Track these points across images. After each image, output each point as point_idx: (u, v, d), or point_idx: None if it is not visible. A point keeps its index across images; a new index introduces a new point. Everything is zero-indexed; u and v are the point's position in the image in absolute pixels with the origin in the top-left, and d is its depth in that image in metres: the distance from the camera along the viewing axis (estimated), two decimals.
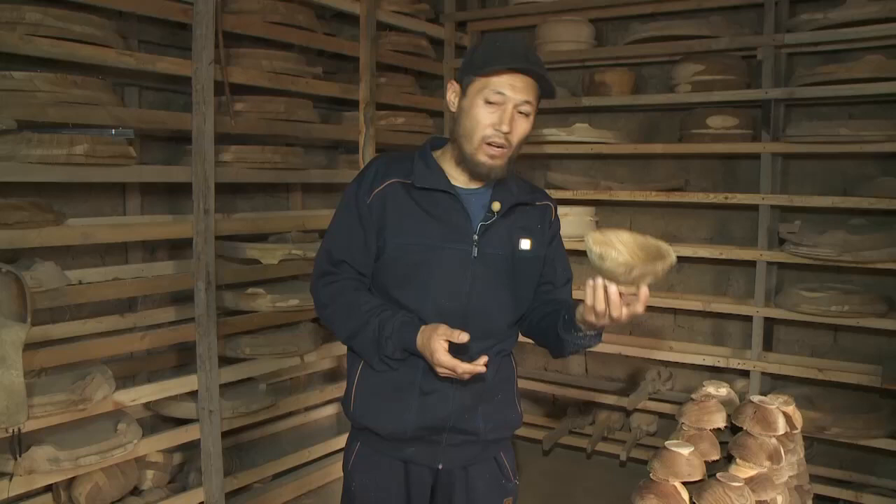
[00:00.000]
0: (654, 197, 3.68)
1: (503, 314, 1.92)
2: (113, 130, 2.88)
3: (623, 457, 3.68)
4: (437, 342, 1.67)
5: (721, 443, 2.00)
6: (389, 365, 1.84)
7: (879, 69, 3.15)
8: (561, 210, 3.67)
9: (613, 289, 1.56)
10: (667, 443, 1.88)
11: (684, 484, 1.82)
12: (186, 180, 2.88)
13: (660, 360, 3.80)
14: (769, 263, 3.46)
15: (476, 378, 1.78)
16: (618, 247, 1.61)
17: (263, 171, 3.25)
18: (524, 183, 2.00)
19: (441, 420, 1.87)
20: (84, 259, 3.16)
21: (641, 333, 4.03)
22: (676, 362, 3.74)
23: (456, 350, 1.71)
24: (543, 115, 4.18)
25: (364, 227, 1.86)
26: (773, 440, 1.90)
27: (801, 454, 2.06)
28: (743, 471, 1.87)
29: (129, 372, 3.29)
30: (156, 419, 3.28)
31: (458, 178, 1.88)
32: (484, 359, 1.68)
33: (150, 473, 3.02)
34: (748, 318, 3.55)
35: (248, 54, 3.19)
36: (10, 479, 2.41)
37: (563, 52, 3.92)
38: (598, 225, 3.94)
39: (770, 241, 3.45)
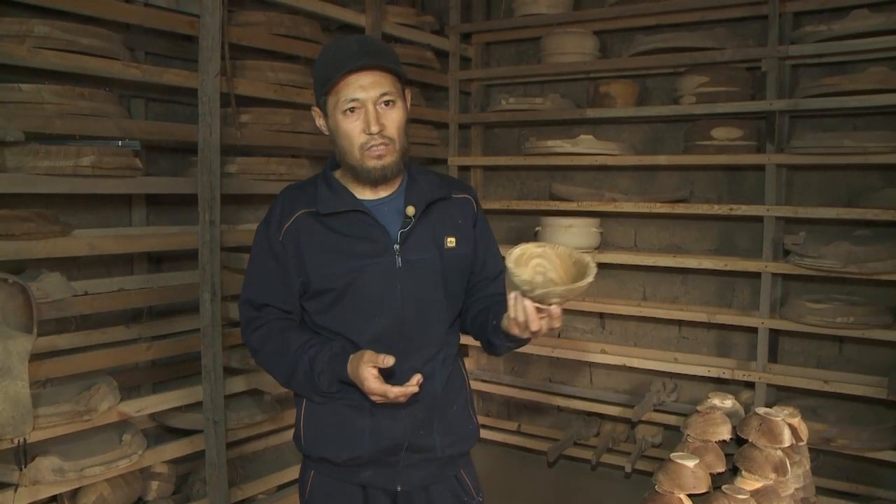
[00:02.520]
0: (658, 208, 3.68)
1: (441, 319, 1.88)
2: (119, 142, 2.89)
3: (628, 468, 3.67)
4: (365, 370, 1.66)
5: (726, 455, 2.00)
6: (330, 398, 1.82)
7: (883, 81, 3.15)
8: (565, 221, 3.77)
9: (528, 303, 1.59)
10: (672, 455, 1.88)
11: (690, 496, 1.82)
12: (192, 191, 2.89)
13: (664, 372, 3.79)
14: (774, 275, 3.45)
15: (425, 390, 1.77)
16: (552, 259, 1.66)
17: (269, 182, 3.26)
18: (434, 176, 1.95)
19: (396, 440, 1.84)
20: (90, 270, 3.17)
21: (646, 345, 4.03)
22: (681, 374, 3.73)
23: (400, 367, 1.72)
24: (548, 126, 4.20)
25: (281, 265, 1.83)
26: (779, 452, 1.90)
27: (807, 466, 2.06)
28: (749, 483, 1.86)
29: (134, 382, 3.29)
30: (161, 430, 3.28)
31: (365, 192, 1.84)
32: (417, 378, 1.67)
33: (154, 484, 3.01)
34: (753, 330, 3.54)
35: (253, 66, 3.21)
36: (16, 490, 2.41)
37: (567, 64, 3.93)
38: (603, 236, 3.94)
39: (775, 252, 3.44)
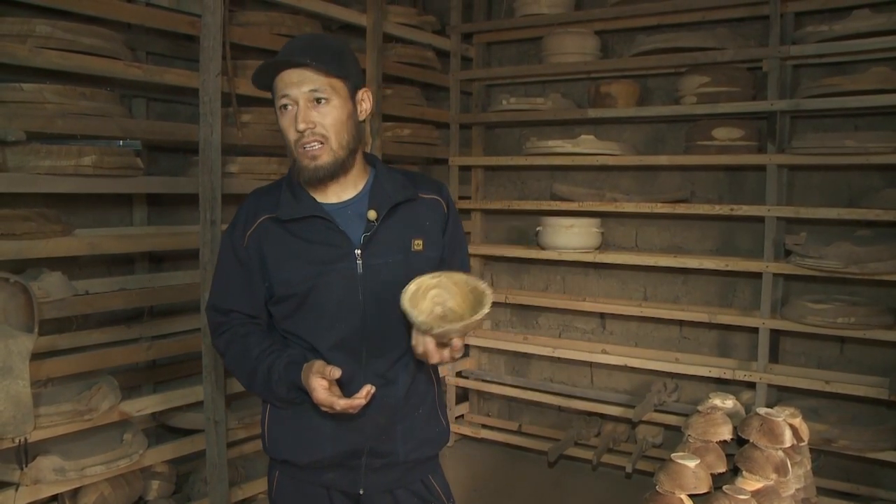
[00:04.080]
0: (659, 208, 3.68)
1: (403, 324, 1.81)
2: (121, 142, 2.90)
3: (629, 469, 3.67)
4: (314, 380, 1.65)
5: (727, 455, 1.99)
6: (291, 404, 1.81)
7: (885, 81, 3.15)
8: (566, 222, 3.77)
9: (428, 339, 1.63)
10: (673, 455, 1.88)
11: (690, 496, 1.82)
12: (193, 191, 2.89)
13: (665, 372, 3.79)
14: (775, 275, 3.45)
15: (387, 396, 1.77)
16: (450, 288, 1.69)
17: (270, 182, 3.25)
18: (401, 176, 1.90)
19: (357, 444, 1.82)
20: (91, 269, 3.17)
21: (647, 345, 4.03)
22: (682, 374, 3.73)
23: (363, 371, 1.75)
24: (549, 126, 4.20)
25: (245, 270, 1.82)
26: (780, 453, 1.89)
27: (808, 467, 2.06)
28: (749, 483, 1.86)
29: (135, 382, 3.29)
30: (161, 429, 3.29)
31: (327, 195, 1.82)
32: (366, 389, 1.65)
33: (155, 484, 3.02)
34: (754, 330, 3.55)
35: (255, 66, 3.19)
36: (17, 489, 2.42)
37: (568, 64, 3.93)
38: (604, 236, 3.94)
39: (776, 252, 3.44)
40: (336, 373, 1.64)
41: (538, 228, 3.93)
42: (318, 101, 1.72)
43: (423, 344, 1.63)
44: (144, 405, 2.82)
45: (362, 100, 1.82)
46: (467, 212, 4.38)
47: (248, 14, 3.23)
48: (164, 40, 3.30)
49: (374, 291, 1.78)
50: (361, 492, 1.86)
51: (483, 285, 1.64)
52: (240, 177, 3.18)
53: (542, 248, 3.96)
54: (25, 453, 2.40)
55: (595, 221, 3.88)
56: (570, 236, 3.82)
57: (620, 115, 3.82)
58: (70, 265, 2.98)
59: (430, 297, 1.67)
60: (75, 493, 2.71)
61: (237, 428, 3.12)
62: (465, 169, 4.39)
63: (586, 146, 3.81)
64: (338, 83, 1.74)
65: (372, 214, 1.79)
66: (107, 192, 2.90)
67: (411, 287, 1.63)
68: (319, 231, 1.78)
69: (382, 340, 1.80)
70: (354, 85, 1.80)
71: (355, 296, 1.77)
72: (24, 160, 2.48)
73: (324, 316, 1.78)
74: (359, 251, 1.77)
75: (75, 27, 2.63)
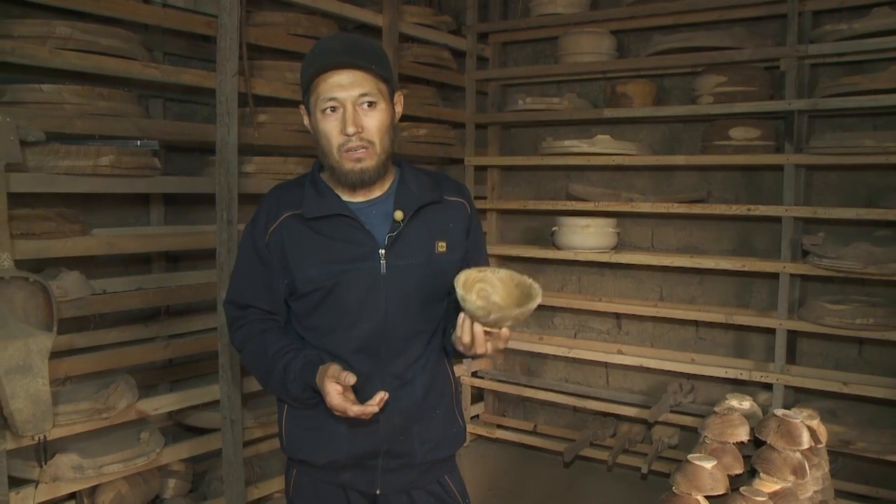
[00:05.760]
0: (675, 209, 3.67)
1: (424, 325, 1.84)
2: (138, 142, 2.92)
3: (644, 469, 3.66)
4: (329, 385, 1.64)
5: (744, 456, 1.98)
6: (305, 405, 1.80)
7: None
8: (582, 222, 3.76)
9: (478, 328, 1.60)
10: (690, 456, 1.87)
11: (707, 498, 1.81)
12: (210, 191, 2.91)
13: (681, 373, 3.77)
14: (792, 275, 3.43)
15: (404, 397, 1.77)
16: (494, 284, 1.69)
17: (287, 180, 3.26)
18: (426, 177, 1.89)
19: (373, 446, 1.82)
20: (108, 269, 3.20)
21: (663, 345, 4.01)
22: (698, 375, 3.71)
23: (381, 372, 1.75)
24: (565, 126, 4.19)
25: (265, 266, 1.81)
26: (798, 454, 1.88)
27: (826, 469, 2.04)
28: (767, 485, 1.85)
29: (151, 381, 3.31)
30: (178, 428, 3.30)
31: (353, 194, 1.80)
32: (379, 396, 1.64)
33: (171, 482, 3.04)
34: (771, 331, 3.52)
35: (271, 66, 3.22)
36: (36, 487, 2.44)
37: (584, 64, 3.92)
38: (620, 237, 3.93)
39: (793, 253, 3.42)
40: (351, 379, 1.63)
41: (554, 228, 3.92)
42: (367, 105, 1.70)
43: (472, 333, 1.60)
44: (161, 404, 2.83)
45: (397, 102, 1.81)
46: (483, 212, 4.37)
47: (264, 14, 3.24)
48: (180, 41, 3.31)
49: (397, 292, 1.78)
50: (378, 492, 1.87)
51: (529, 280, 1.64)
52: (256, 176, 3.19)
53: (558, 249, 3.95)
54: (45, 451, 2.42)
55: (611, 221, 3.87)
56: (586, 236, 3.81)
57: (636, 115, 3.81)
58: (88, 264, 3.00)
59: (475, 291, 1.67)
60: (93, 490, 2.73)
61: (253, 427, 3.14)
62: (480, 169, 4.38)
63: (602, 146, 3.80)
64: (383, 87, 1.74)
65: (399, 215, 1.78)
66: (124, 192, 2.92)
67: (461, 277, 1.63)
68: (344, 229, 1.77)
69: (402, 341, 1.80)
70: (394, 88, 1.79)
71: (378, 295, 1.77)
72: (43, 160, 2.50)
73: (345, 314, 1.78)
74: (383, 251, 1.76)
75: (94, 28, 2.65)
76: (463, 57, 4.26)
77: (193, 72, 2.88)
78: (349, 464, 1.84)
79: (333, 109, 1.70)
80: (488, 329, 1.61)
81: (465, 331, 1.61)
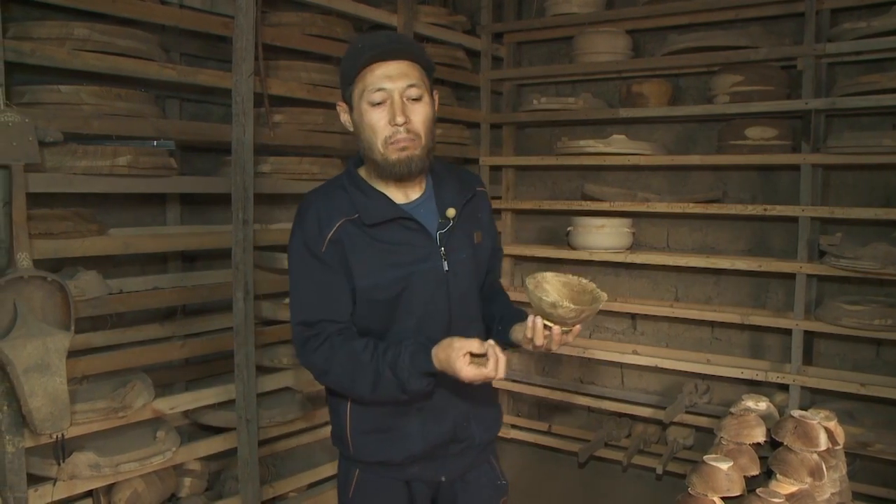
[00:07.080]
0: (691, 209, 3.65)
1: (476, 312, 1.89)
2: (155, 142, 2.93)
3: (659, 470, 3.64)
4: (459, 361, 1.62)
5: (761, 458, 1.97)
6: (419, 398, 1.78)
7: None
8: (597, 222, 3.75)
9: (557, 329, 1.65)
10: (706, 457, 1.86)
11: (723, 499, 1.80)
12: (226, 191, 2.92)
13: (697, 373, 3.75)
14: (809, 276, 3.40)
15: (466, 384, 1.75)
16: (559, 290, 1.76)
17: (302, 181, 3.27)
18: (450, 173, 1.91)
19: (444, 435, 1.85)
20: (125, 268, 3.22)
21: (678, 346, 4.00)
22: (714, 375, 3.69)
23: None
24: (580, 126, 4.18)
25: (331, 272, 1.77)
26: (815, 456, 1.87)
27: (844, 471, 2.03)
28: (783, 487, 1.84)
29: (168, 380, 3.33)
30: (194, 427, 3.32)
31: (396, 195, 1.80)
32: (488, 344, 1.65)
33: (187, 481, 3.05)
34: (787, 332, 3.50)
35: (287, 66, 3.23)
36: (54, 484, 2.46)
37: (599, 64, 3.91)
38: (635, 237, 3.92)
39: (810, 253, 3.40)
40: (483, 346, 1.64)
41: (569, 228, 3.92)
42: (414, 97, 1.71)
43: (541, 333, 1.66)
44: (177, 403, 2.85)
45: (436, 99, 1.83)
46: (498, 211, 4.37)
47: (280, 15, 3.25)
48: (197, 41, 3.33)
49: (458, 286, 1.82)
50: (443, 479, 1.91)
51: (592, 284, 1.74)
52: (272, 176, 3.20)
53: (573, 249, 3.94)
54: (62, 449, 2.44)
55: (626, 221, 3.85)
56: (601, 236, 3.80)
57: (652, 114, 3.79)
58: (105, 264, 3.02)
59: (560, 295, 1.73)
60: (109, 489, 2.75)
61: (268, 426, 3.15)
62: (495, 169, 4.38)
63: (618, 146, 3.79)
64: (427, 80, 1.76)
65: (451, 212, 1.81)
66: (141, 192, 2.93)
67: (530, 281, 1.68)
68: (401, 232, 1.78)
69: (462, 331, 1.78)
70: (433, 84, 1.81)
71: (443, 293, 1.80)
72: (61, 160, 2.52)
73: (412, 316, 1.79)
74: (442, 249, 1.79)
75: (111, 29, 2.67)
76: (478, 57, 4.25)
77: (209, 72, 2.89)
78: (423, 456, 1.87)
79: (380, 102, 1.70)
80: (546, 323, 1.66)
81: (538, 335, 1.66)
